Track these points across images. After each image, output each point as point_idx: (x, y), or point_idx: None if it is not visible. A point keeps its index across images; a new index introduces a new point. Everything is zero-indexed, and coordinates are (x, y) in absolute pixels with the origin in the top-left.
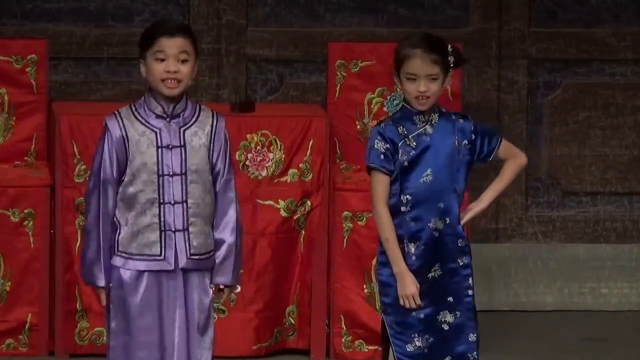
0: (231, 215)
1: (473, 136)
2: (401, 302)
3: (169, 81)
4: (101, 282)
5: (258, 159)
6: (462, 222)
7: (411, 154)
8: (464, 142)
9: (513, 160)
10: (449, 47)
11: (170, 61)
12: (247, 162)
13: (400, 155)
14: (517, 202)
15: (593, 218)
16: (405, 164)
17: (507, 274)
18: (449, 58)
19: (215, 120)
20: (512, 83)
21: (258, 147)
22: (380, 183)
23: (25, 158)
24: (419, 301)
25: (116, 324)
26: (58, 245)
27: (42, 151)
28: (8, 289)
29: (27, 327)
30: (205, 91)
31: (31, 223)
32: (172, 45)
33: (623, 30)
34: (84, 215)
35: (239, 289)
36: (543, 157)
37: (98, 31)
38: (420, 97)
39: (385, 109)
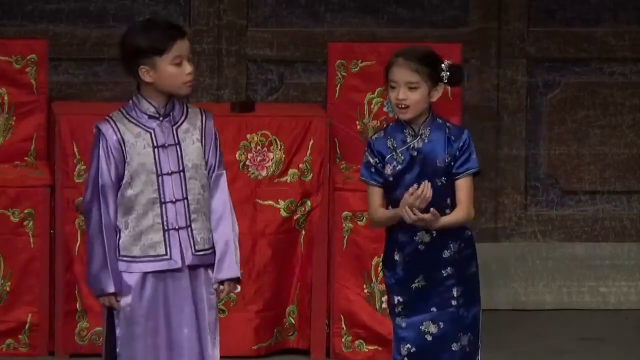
0: (225, 209)
1: (458, 152)
2: (404, 215)
3: (189, 82)
4: (111, 289)
5: (258, 159)
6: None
7: (397, 168)
8: (453, 154)
9: (460, 208)
10: (446, 62)
11: (186, 63)
12: (247, 162)
13: (386, 169)
14: (517, 201)
15: (592, 217)
16: (391, 178)
17: (506, 273)
18: (442, 73)
19: (204, 117)
20: (511, 82)
21: (258, 147)
22: (373, 194)
23: (25, 158)
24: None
25: (121, 331)
26: (58, 245)
27: (42, 151)
28: (8, 289)
29: (27, 327)
30: (206, 91)
31: (31, 223)
32: (186, 47)
33: (622, 30)
34: (85, 225)
35: (239, 288)
36: (542, 156)
37: (99, 32)
38: (400, 105)
39: (385, 109)
